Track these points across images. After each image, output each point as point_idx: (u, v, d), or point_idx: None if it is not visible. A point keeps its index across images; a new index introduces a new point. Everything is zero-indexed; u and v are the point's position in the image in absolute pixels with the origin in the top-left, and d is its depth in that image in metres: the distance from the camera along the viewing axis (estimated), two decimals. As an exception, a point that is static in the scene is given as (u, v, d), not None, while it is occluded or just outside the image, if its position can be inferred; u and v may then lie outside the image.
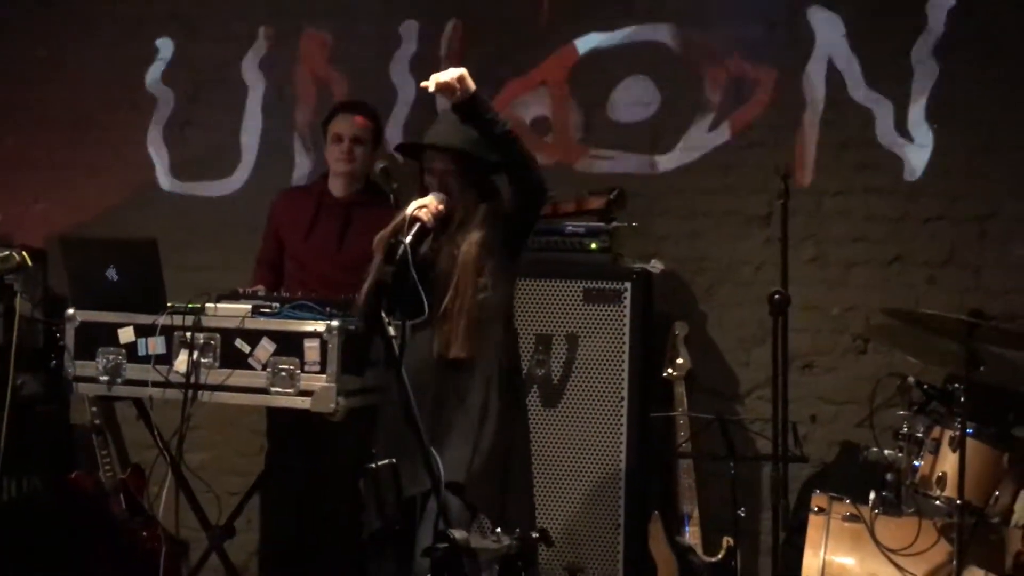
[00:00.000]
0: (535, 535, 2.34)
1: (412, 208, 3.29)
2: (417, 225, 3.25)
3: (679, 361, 4.31)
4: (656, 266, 4.30)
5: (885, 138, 4.39)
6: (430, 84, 3.29)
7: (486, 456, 3.28)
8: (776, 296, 3.73)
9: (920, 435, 3.69)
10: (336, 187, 4.29)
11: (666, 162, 4.59)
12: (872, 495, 3.75)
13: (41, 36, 5.26)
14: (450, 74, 3.27)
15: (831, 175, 4.44)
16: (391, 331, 2.67)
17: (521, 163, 3.38)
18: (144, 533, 4.45)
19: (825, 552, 3.70)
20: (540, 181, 3.42)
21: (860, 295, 4.39)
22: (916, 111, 4.36)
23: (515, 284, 3.62)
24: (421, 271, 3.20)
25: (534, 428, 4.15)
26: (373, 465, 2.53)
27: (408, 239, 3.14)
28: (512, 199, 3.43)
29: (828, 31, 4.43)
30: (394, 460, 2.64)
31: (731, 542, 4.13)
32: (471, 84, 3.29)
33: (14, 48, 5.30)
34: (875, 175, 4.41)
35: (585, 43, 4.66)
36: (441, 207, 3.35)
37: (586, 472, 4.14)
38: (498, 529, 2.38)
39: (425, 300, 3.18)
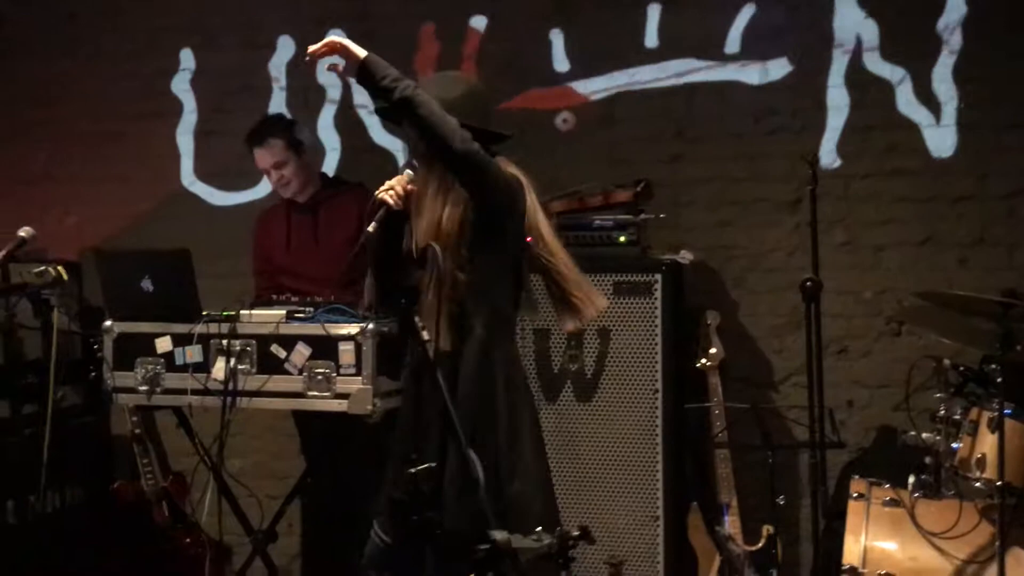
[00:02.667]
0: (576, 533, 2.35)
1: (379, 191, 3.08)
2: (382, 210, 3.03)
3: (712, 351, 4.31)
4: (686, 257, 4.30)
5: (911, 118, 4.37)
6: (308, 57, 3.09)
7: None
8: (808, 283, 3.72)
9: (958, 417, 3.67)
10: (297, 198, 4.44)
11: (692, 151, 4.58)
12: (911, 479, 3.73)
13: (66, 51, 5.31)
14: (325, 43, 3.06)
15: (858, 158, 4.43)
16: (424, 335, 2.67)
17: (427, 131, 3.04)
18: (187, 540, 4.49)
19: (866, 537, 3.68)
20: (457, 150, 3.03)
21: (892, 278, 4.38)
22: (943, 90, 4.33)
23: (505, 271, 3.28)
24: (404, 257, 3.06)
25: (568, 423, 4.17)
26: (413, 470, 2.53)
27: (371, 227, 2.98)
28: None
29: (850, 11, 4.41)
30: (433, 464, 2.62)
31: (771, 530, 4.12)
32: (356, 50, 3.05)
33: (40, 64, 5.35)
34: (902, 156, 4.39)
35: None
36: (409, 185, 3.09)
37: (623, 465, 4.14)
38: (539, 528, 2.38)
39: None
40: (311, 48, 3.10)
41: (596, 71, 4.68)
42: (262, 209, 4.73)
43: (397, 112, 3.08)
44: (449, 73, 3.39)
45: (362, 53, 3.06)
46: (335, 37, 3.11)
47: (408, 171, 3.12)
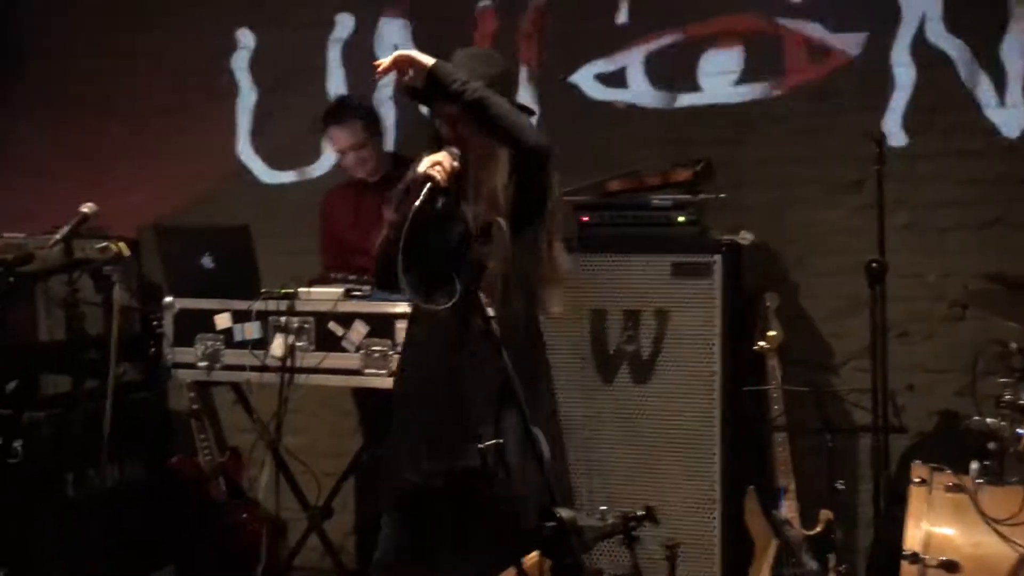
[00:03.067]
0: (641, 513, 2.34)
1: (425, 165, 3.01)
2: (428, 185, 2.94)
3: (771, 333, 4.26)
4: (745, 237, 4.24)
5: (979, 98, 4.27)
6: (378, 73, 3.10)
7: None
8: (873, 264, 3.67)
9: (1023, 402, 3.60)
10: (369, 178, 4.43)
11: (752, 131, 4.53)
12: (974, 465, 3.66)
13: (124, 29, 5.35)
14: (393, 59, 3.06)
15: (923, 138, 4.34)
16: (489, 311, 2.65)
17: (500, 129, 3.05)
18: (244, 515, 4.52)
19: (928, 523, 3.63)
20: (531, 145, 3.05)
21: (956, 261, 4.29)
22: (1013, 67, 4.23)
23: (535, 245, 3.21)
24: (439, 232, 3.02)
25: (624, 405, 4.15)
26: (481, 445, 2.52)
27: (417, 202, 2.90)
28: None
29: (916, -13, 4.33)
30: (501, 440, 2.59)
31: (830, 515, 4.08)
32: (423, 59, 3.04)
33: (101, 44, 5.40)
34: (969, 137, 4.29)
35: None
36: (456, 163, 3.04)
37: (680, 448, 4.11)
38: (603, 507, 2.37)
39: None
40: (379, 66, 3.09)
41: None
42: (328, 188, 4.72)
43: (471, 113, 3.05)
44: (479, 50, 3.35)
45: (429, 61, 3.04)
46: (402, 51, 3.10)
47: (453, 149, 3.08)
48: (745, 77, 4.54)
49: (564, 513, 2.24)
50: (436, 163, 3.02)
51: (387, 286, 3.21)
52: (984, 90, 4.27)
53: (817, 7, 4.44)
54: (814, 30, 4.43)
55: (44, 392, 4.32)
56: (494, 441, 2.58)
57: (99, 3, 5.41)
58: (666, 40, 4.62)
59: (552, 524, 2.23)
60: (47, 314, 4.30)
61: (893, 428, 3.83)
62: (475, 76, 3.06)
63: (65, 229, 3.76)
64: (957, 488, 3.67)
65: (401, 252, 2.87)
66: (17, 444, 4.24)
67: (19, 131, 5.53)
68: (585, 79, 4.72)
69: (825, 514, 4.09)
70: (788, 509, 4.14)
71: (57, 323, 4.28)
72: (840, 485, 4.02)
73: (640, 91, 4.67)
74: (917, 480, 3.73)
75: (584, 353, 4.19)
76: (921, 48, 4.32)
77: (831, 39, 4.42)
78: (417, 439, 3.18)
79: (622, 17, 4.67)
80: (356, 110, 4.41)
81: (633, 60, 4.66)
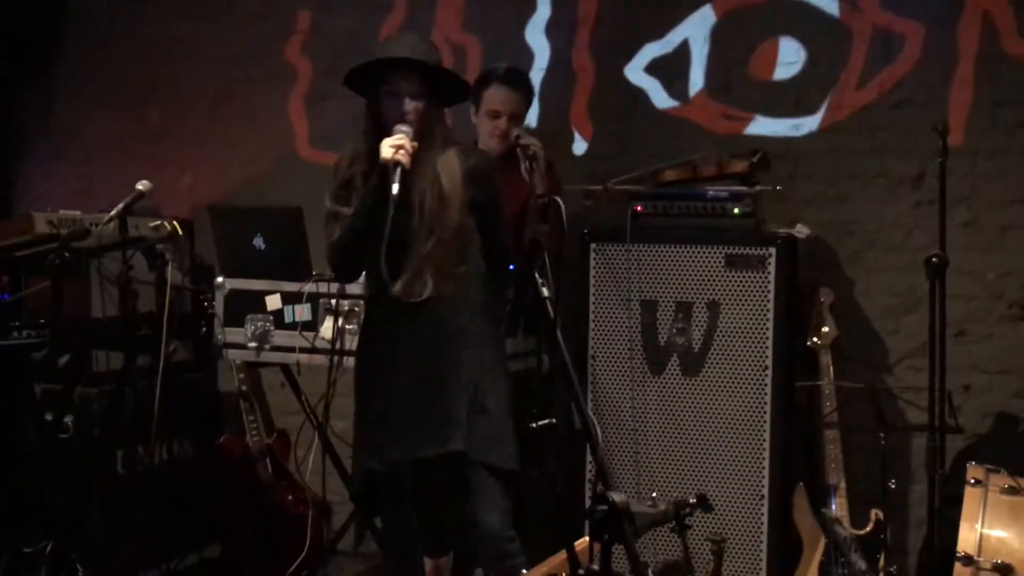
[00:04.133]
0: (693, 501, 2.30)
1: (387, 151, 3.08)
2: (397, 170, 3.05)
3: (824, 329, 4.20)
4: (802, 231, 4.18)
5: (1043, 94, 4.19)
6: None
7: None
8: (933, 259, 3.59)
9: (1083, 405, 3.53)
10: (493, 153, 4.09)
11: (811, 123, 4.46)
12: (1031, 467, 3.61)
13: (181, 12, 5.38)
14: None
15: (986, 135, 4.26)
16: (545, 292, 2.62)
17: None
18: (290, 497, 4.54)
19: (982, 525, 3.57)
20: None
21: (1017, 260, 4.21)
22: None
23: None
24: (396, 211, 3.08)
25: (674, 398, 4.11)
26: (534, 425, 2.49)
27: (396, 187, 3.00)
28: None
29: (983, -20, 4.24)
30: (553, 420, 2.58)
31: (880, 515, 4.02)
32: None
33: (156, 25, 5.43)
34: (1033, 133, 4.21)
35: (727, 2, 4.55)
36: (415, 142, 3.12)
37: (729, 442, 4.06)
38: (655, 494, 2.33)
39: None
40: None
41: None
42: None
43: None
44: (413, 34, 3.55)
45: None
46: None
47: (404, 127, 3.12)
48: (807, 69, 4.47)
49: (616, 497, 2.21)
50: (399, 147, 3.07)
51: (348, 278, 3.42)
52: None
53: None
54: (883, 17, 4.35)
55: (96, 368, 4.35)
56: (547, 421, 2.54)
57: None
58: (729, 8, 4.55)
59: (603, 508, 2.20)
60: (101, 291, 4.33)
61: (949, 428, 3.75)
62: (432, 60, 3.21)
63: (120, 206, 3.78)
64: (1013, 490, 3.61)
65: (387, 241, 3.01)
66: (68, 419, 4.28)
67: (74, 116, 5.57)
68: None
69: (876, 513, 4.03)
70: (838, 507, 4.08)
71: (110, 300, 4.32)
72: (892, 484, 3.95)
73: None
74: (972, 481, 3.67)
75: (635, 344, 4.15)
76: (988, 45, 4.23)
77: (897, 24, 4.33)
78: (380, 426, 3.27)
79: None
80: (527, 82, 4.19)
81: (693, 35, 4.58)
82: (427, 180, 3.18)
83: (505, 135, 4.00)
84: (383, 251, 3.07)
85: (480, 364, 3.21)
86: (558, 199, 3.01)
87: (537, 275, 2.67)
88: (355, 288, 3.84)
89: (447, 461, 3.16)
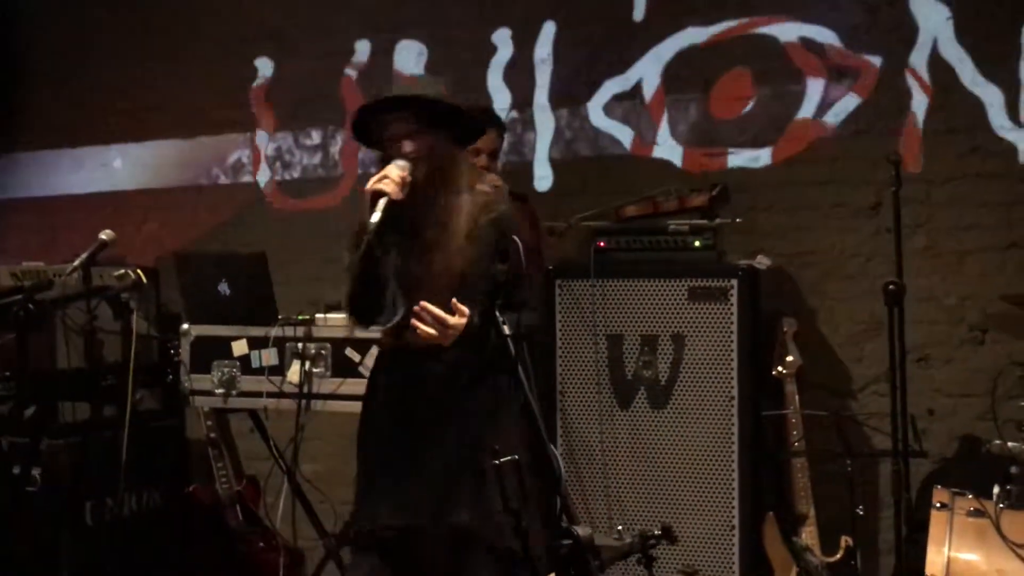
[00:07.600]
0: (659, 532, 2.31)
1: (371, 183, 2.95)
2: (383, 200, 2.90)
3: (789, 358, 4.23)
4: (762, 262, 4.23)
5: (995, 121, 4.26)
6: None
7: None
8: (891, 286, 3.64)
9: (1045, 426, 3.57)
10: None
11: (767, 155, 4.53)
12: (996, 489, 3.63)
13: (142, 58, 5.40)
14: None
15: (940, 162, 4.33)
16: (506, 329, 2.64)
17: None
18: (261, 543, 4.52)
19: (949, 548, 3.59)
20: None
21: (975, 284, 4.27)
22: (1029, 88, 4.23)
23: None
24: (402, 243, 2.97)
25: (642, 431, 4.13)
26: (497, 461, 2.48)
27: (375, 218, 2.86)
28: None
29: (932, 14, 4.32)
30: (516, 456, 2.55)
31: (850, 541, 4.04)
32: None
33: (117, 73, 5.45)
34: (986, 160, 4.28)
35: (681, 39, 4.63)
36: (405, 174, 2.96)
37: (698, 473, 4.08)
38: (620, 527, 2.35)
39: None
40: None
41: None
42: None
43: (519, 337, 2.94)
44: (423, 76, 3.35)
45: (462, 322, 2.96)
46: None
47: (400, 161, 3.00)
48: (762, 102, 4.55)
49: (580, 531, 2.22)
50: (383, 177, 2.96)
51: (364, 322, 3.15)
52: (1001, 113, 4.26)
53: (831, 34, 4.44)
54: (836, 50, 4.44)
55: (62, 419, 4.32)
56: (509, 457, 2.52)
57: (111, 36, 5.45)
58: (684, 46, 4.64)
59: (568, 542, 2.21)
60: (66, 341, 4.31)
61: (914, 453, 3.79)
62: (429, 94, 3.08)
63: (83, 256, 3.78)
64: (979, 513, 3.63)
65: (359, 275, 2.91)
66: (36, 472, 4.24)
67: (35, 166, 5.57)
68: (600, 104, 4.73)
69: (845, 540, 4.05)
70: (808, 535, 4.10)
71: (76, 351, 4.29)
72: (860, 511, 3.97)
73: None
74: (938, 505, 3.70)
75: (602, 378, 4.18)
76: (938, 73, 4.31)
77: (851, 58, 4.42)
78: (377, 485, 3.19)
79: (638, 14, 4.67)
80: (499, 119, 4.32)
81: (649, 73, 4.66)
82: (438, 221, 3.03)
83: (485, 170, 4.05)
84: (390, 291, 2.96)
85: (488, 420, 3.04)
86: (515, 239, 2.97)
87: (498, 313, 2.68)
88: (321, 332, 3.85)
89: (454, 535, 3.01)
